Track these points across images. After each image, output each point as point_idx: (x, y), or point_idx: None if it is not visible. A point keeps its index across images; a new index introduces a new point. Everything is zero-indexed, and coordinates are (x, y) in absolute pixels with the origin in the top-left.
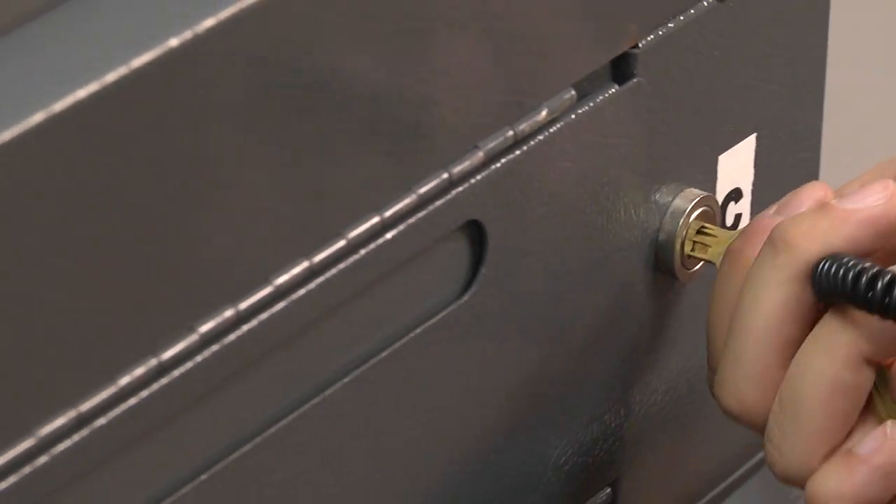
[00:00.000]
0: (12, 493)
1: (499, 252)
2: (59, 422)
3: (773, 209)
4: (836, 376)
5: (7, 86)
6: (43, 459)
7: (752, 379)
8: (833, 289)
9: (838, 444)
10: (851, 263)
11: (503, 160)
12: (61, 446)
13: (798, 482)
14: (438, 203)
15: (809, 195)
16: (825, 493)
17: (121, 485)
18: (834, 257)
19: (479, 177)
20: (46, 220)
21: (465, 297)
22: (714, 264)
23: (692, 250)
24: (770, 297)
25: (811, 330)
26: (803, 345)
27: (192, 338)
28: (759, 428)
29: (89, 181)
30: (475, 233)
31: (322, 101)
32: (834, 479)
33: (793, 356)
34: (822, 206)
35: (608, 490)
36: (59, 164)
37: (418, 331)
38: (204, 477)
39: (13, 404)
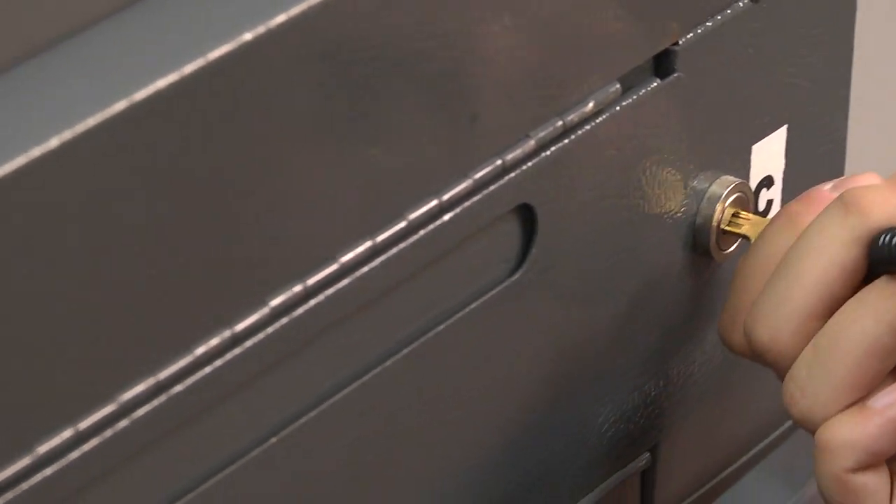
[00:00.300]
0: (96, 455)
1: (548, 233)
2: (139, 388)
3: (829, 185)
4: (878, 339)
5: (91, 76)
6: (123, 423)
7: (792, 322)
8: (893, 258)
9: (860, 399)
10: None
11: (553, 148)
12: (141, 411)
13: (812, 426)
14: (493, 187)
15: (867, 180)
16: (837, 439)
17: (197, 447)
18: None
19: (530, 163)
20: (131, 201)
21: (517, 275)
22: (749, 239)
23: (728, 225)
24: (831, 252)
25: (853, 294)
26: (852, 301)
27: (263, 311)
28: (778, 366)
29: (169, 165)
30: (526, 215)
31: (386, 93)
32: (847, 427)
33: (831, 313)
34: (894, 183)
35: (647, 455)
36: (139, 148)
37: (473, 306)
38: (273, 441)
39: (97, 373)
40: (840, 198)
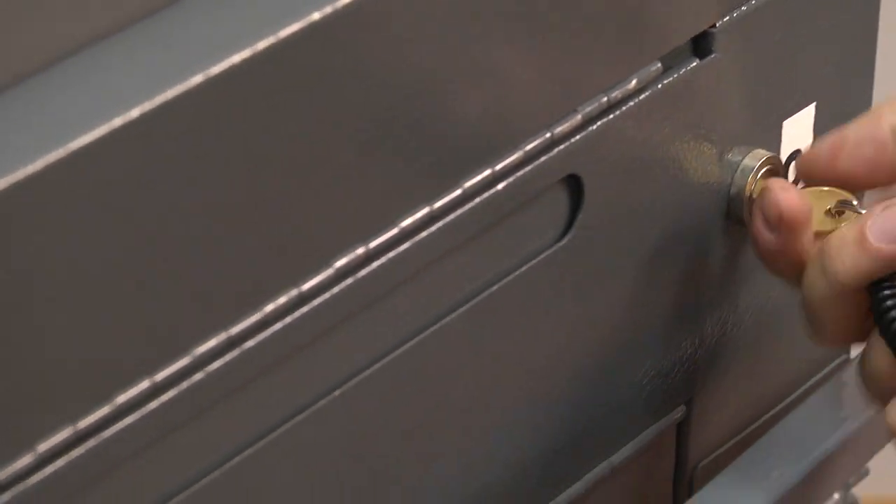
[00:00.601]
0: (174, 404)
1: (594, 202)
2: (211, 343)
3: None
4: None
5: (172, 52)
6: (198, 377)
7: (833, 343)
8: (880, 314)
9: None
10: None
11: (599, 122)
12: (214, 366)
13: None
14: (543, 159)
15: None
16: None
17: (269, 398)
18: (880, 288)
19: (578, 137)
20: (206, 167)
21: (564, 241)
22: None
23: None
24: (829, 308)
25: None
26: (868, 345)
27: (328, 272)
28: None
29: (240, 134)
30: (574, 185)
31: (441, 80)
32: None
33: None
34: (863, 242)
35: (683, 407)
36: (214, 117)
37: (523, 269)
38: (337, 394)
39: (172, 330)
40: (820, 257)
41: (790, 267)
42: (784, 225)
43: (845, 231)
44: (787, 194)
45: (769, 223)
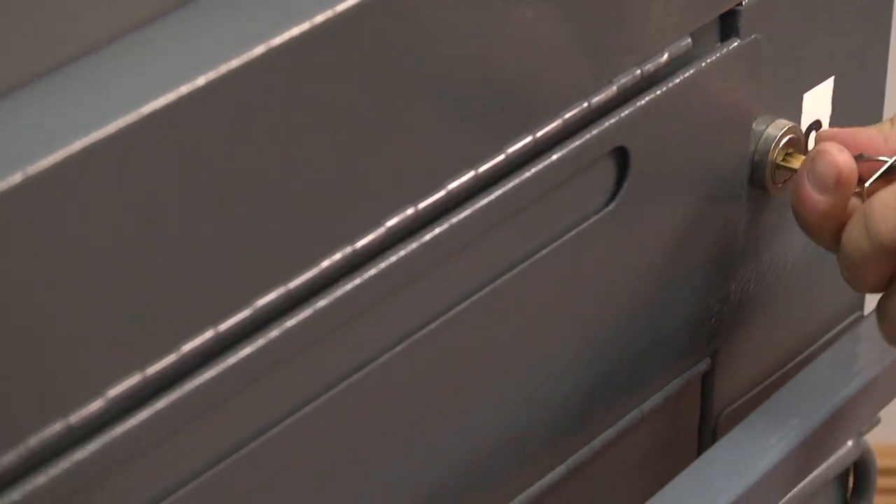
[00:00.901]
0: (243, 364)
1: (638, 172)
2: (271, 296)
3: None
4: None
5: (231, 27)
6: (273, 334)
7: (870, 291)
8: None
9: None
10: None
11: (646, 98)
12: (275, 322)
13: None
14: (594, 132)
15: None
16: None
17: (326, 357)
18: None
19: (625, 112)
20: (266, 133)
21: (610, 207)
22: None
23: (783, 160)
24: (870, 263)
25: None
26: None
27: (380, 231)
28: None
29: (298, 102)
30: (621, 157)
31: (482, 50)
32: None
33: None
34: None
35: (708, 360)
36: (273, 88)
37: (571, 234)
38: (399, 348)
39: (234, 287)
40: (864, 214)
41: (834, 228)
42: (841, 185)
43: (888, 195)
44: (843, 156)
45: (823, 185)
